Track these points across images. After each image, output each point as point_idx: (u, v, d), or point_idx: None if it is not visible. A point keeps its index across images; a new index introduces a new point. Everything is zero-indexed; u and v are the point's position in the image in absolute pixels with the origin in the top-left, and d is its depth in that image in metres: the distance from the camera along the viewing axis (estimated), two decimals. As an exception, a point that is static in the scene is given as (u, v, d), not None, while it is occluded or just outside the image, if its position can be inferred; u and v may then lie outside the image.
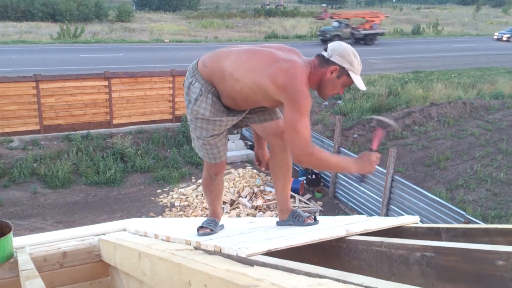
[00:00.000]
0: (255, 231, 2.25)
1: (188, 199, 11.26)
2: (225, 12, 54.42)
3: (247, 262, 1.61)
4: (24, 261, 2.42)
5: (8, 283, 2.92)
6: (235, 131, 2.65)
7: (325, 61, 2.16)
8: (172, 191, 11.92)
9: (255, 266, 1.56)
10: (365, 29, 35.75)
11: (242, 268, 1.52)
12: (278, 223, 2.45)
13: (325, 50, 2.17)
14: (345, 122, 15.97)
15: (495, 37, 44.09)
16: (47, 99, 13.95)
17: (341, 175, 11.14)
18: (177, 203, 11.11)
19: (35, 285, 1.75)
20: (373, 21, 36.27)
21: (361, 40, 34.91)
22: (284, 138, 2.25)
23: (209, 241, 2.00)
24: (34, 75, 13.96)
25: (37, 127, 13.98)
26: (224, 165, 2.53)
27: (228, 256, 1.74)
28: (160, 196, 11.72)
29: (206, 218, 2.59)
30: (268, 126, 2.42)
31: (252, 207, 10.48)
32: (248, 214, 10.09)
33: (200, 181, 12.21)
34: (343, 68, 2.13)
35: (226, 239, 2.02)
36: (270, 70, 2.10)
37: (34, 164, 12.57)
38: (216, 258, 1.76)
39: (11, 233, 2.97)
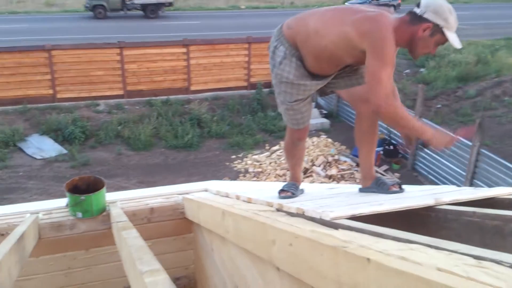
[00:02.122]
0: (337, 197, 2.26)
1: (261, 165, 11.42)
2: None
3: (331, 225, 1.62)
4: (118, 214, 2.60)
5: (101, 234, 3.16)
6: (321, 97, 2.63)
7: (417, 18, 2.05)
8: (246, 157, 12.13)
9: (339, 229, 1.57)
10: None
11: (327, 230, 1.54)
12: (361, 190, 2.43)
13: (418, 6, 2.07)
14: (428, 92, 15.26)
15: None
16: (130, 65, 14.55)
17: (421, 146, 10.76)
18: (251, 169, 11.31)
19: (131, 234, 1.88)
20: None
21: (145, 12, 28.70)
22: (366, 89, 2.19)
23: (291, 204, 2.03)
24: (118, 41, 14.57)
25: (121, 92, 14.67)
26: (307, 130, 2.53)
27: (311, 219, 1.76)
28: (235, 162, 11.98)
29: (286, 182, 2.63)
30: (354, 91, 2.38)
31: (326, 176, 10.46)
32: (321, 183, 10.09)
33: (274, 148, 12.34)
34: (437, 25, 2.02)
35: (309, 203, 2.05)
36: (355, 18, 2.06)
37: (119, 127, 13.24)
38: (299, 220, 1.79)
39: (104, 188, 3.19)
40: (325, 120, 13.81)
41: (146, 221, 3.21)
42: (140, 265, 1.31)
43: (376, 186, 2.34)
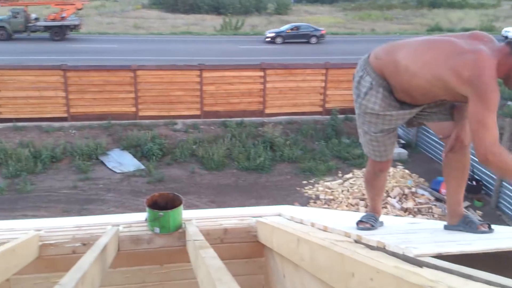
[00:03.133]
0: (420, 232, 2.17)
1: (333, 193, 11.26)
2: (385, 4, 52.82)
3: (415, 262, 1.56)
4: (194, 232, 2.66)
5: (176, 251, 3.23)
6: (407, 128, 2.54)
7: None
8: (318, 183, 12.02)
9: (424, 267, 1.50)
10: (52, 20, 29.49)
11: (411, 267, 1.48)
12: (446, 227, 2.32)
13: None
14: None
15: None
16: (208, 87, 15.03)
17: (506, 184, 10.12)
18: (322, 196, 11.18)
19: (209, 254, 1.91)
20: (63, 10, 29.74)
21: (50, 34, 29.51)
22: (468, 135, 2.09)
23: (371, 236, 1.98)
24: (198, 64, 15.13)
25: (198, 112, 15.16)
26: (390, 162, 2.46)
27: (393, 254, 1.70)
28: (306, 187, 11.90)
29: (365, 213, 2.57)
30: (445, 126, 2.28)
31: (402, 209, 10.09)
32: (397, 216, 9.74)
33: (347, 176, 12.13)
34: None
35: (390, 237, 1.98)
36: (453, 63, 1.95)
37: (194, 146, 13.66)
38: (380, 254, 1.74)
39: (181, 206, 3.27)
40: (402, 150, 13.41)
41: (219, 241, 3.25)
42: (220, 285, 1.33)
43: (464, 225, 2.22)
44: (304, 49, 28.46)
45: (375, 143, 2.35)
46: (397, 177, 11.60)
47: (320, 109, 15.75)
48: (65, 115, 14.55)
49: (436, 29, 36.51)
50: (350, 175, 12.20)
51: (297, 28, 32.20)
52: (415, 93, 2.15)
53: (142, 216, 3.46)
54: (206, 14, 43.40)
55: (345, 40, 32.24)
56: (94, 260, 1.99)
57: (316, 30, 32.22)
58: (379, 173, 2.48)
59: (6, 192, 11.27)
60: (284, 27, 32.93)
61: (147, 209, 3.25)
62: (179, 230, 3.19)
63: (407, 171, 12.16)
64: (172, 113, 14.99)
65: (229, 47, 28.26)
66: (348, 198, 10.77)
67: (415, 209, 10.01)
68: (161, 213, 3.14)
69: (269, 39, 31.45)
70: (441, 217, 9.26)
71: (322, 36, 32.12)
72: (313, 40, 31.66)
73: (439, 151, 12.53)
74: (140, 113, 14.88)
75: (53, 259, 3.01)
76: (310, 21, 40.08)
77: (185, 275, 3.46)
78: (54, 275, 3.14)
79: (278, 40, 31.28)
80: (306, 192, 11.65)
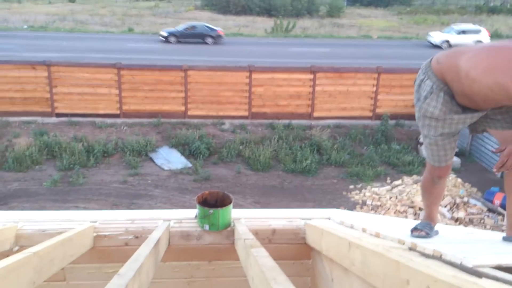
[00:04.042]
0: (478, 243, 2.11)
1: (381, 199, 11.06)
2: (442, 8, 51.42)
3: (474, 272, 1.51)
4: (244, 231, 2.68)
5: (224, 248, 3.27)
6: (471, 134, 2.44)
7: None
8: (365, 189, 11.84)
9: (483, 278, 1.46)
10: None
11: (470, 277, 1.44)
12: (506, 239, 2.23)
13: None
14: None
15: None
16: (257, 89, 15.11)
17: None
18: (369, 202, 11.00)
19: (261, 253, 1.92)
20: None
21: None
22: None
23: (426, 244, 1.93)
24: (248, 65, 15.24)
25: (246, 113, 15.26)
26: (449, 168, 2.40)
27: (450, 263, 1.66)
28: (352, 192, 11.75)
29: (420, 221, 2.52)
30: (509, 135, 2.20)
31: (452, 218, 9.79)
32: (448, 225, 9.46)
33: (396, 182, 11.88)
34: None
35: (446, 246, 1.93)
36: None
37: (240, 147, 13.76)
38: (436, 263, 1.70)
39: (231, 204, 3.31)
40: (456, 159, 12.99)
41: (267, 241, 3.26)
42: (275, 285, 1.34)
43: (524, 237, 2.13)
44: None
45: (435, 147, 2.30)
46: (449, 186, 11.25)
47: (370, 114, 15.51)
48: (118, 112, 15.01)
49: (495, 35, 35.15)
50: (399, 181, 11.94)
51: (193, 27, 31.55)
52: (476, 98, 2.09)
53: (192, 213, 3.52)
54: (257, 16, 43.64)
55: (398, 44, 31.57)
56: (149, 253, 2.05)
57: (212, 30, 31.31)
58: (437, 179, 2.42)
59: (60, 184, 11.75)
60: (180, 26, 32.32)
61: (197, 206, 3.30)
62: (228, 228, 3.23)
63: (459, 180, 11.78)
64: (220, 113, 15.17)
65: (279, 50, 28.30)
66: (396, 205, 10.54)
67: (467, 219, 9.68)
68: (211, 210, 3.19)
69: (163, 38, 30.94)
70: (493, 229, 8.91)
71: (219, 36, 31.30)
72: (209, 40, 30.93)
73: (494, 161, 12.07)
74: (189, 112, 15.15)
75: (106, 250, 3.11)
76: (363, 25, 39.60)
77: (232, 272, 3.49)
78: (106, 266, 3.25)
79: (172, 39, 30.77)
80: (353, 197, 11.50)
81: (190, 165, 13.01)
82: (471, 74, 2.03)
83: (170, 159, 13.30)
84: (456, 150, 10.74)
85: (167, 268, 3.41)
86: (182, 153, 13.54)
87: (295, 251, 3.34)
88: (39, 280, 1.91)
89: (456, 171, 12.54)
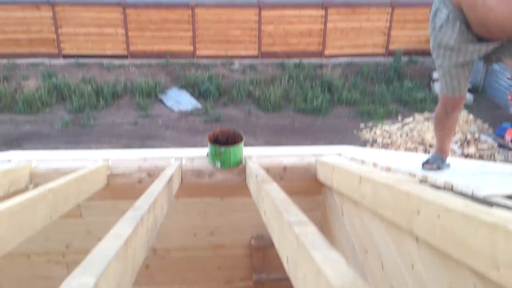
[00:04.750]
0: (489, 174, 2.11)
1: (391, 137, 11.03)
2: None
3: (485, 202, 1.52)
4: (255, 168, 2.70)
5: (236, 185, 3.32)
6: (485, 64, 2.36)
7: None
8: (376, 127, 11.78)
9: (494, 207, 1.46)
10: None
11: (481, 207, 1.44)
12: (517, 170, 2.23)
13: None
14: None
15: None
16: (267, 26, 14.75)
17: None
18: (379, 140, 10.99)
19: (272, 187, 1.94)
20: None
21: None
22: None
23: (438, 177, 1.94)
24: (257, 1, 14.81)
25: (256, 53, 15.00)
26: (463, 100, 2.36)
27: (461, 194, 1.67)
28: (363, 131, 11.71)
29: (431, 155, 2.51)
30: None
31: (462, 154, 9.78)
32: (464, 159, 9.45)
33: (407, 120, 11.80)
34: None
35: (457, 177, 1.93)
36: None
37: (250, 87, 13.64)
38: (447, 194, 1.70)
39: (242, 142, 3.32)
40: (468, 95, 12.81)
41: (278, 178, 3.30)
42: (287, 215, 1.35)
43: (536, 168, 2.12)
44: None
45: (448, 76, 2.25)
46: (460, 122, 11.16)
47: (382, 50, 15.16)
48: (125, 52, 14.83)
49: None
50: (410, 119, 11.86)
51: None
52: (492, 27, 2.01)
53: (204, 151, 3.55)
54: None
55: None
56: (162, 189, 2.08)
57: None
58: (451, 111, 2.38)
59: (71, 126, 11.85)
60: None
61: (209, 144, 3.33)
62: (239, 166, 3.26)
63: (471, 116, 11.66)
64: (230, 53, 14.93)
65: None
66: (407, 142, 10.52)
67: (477, 155, 9.67)
68: (222, 148, 3.21)
69: None
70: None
71: None
72: None
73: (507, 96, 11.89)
74: (198, 52, 14.93)
75: (120, 187, 3.17)
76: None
77: (243, 208, 3.57)
78: (121, 203, 3.33)
79: None
80: (363, 136, 11.47)
81: (200, 106, 12.98)
82: (488, 2, 1.95)
83: (180, 100, 13.27)
84: (469, 86, 10.54)
85: (180, 204, 3.49)
86: (192, 94, 13.48)
87: (306, 187, 3.38)
88: (55, 215, 1.96)
89: (469, 107, 12.39)
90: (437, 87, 12.99)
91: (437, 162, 2.30)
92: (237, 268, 4.03)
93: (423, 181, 1.97)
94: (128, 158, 3.35)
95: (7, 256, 3.61)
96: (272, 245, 3.99)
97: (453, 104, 2.35)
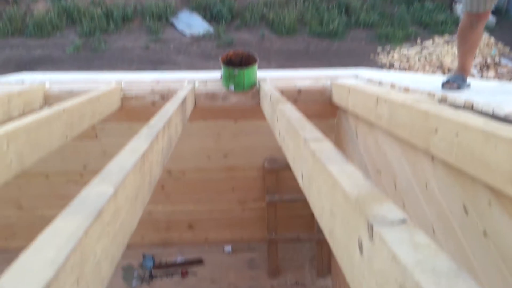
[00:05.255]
0: (511, 94, 2.05)
1: (409, 61, 10.78)
2: None
3: (506, 120, 1.48)
4: (270, 89, 2.67)
5: (249, 108, 3.30)
6: None
7: None
8: (394, 50, 11.49)
9: (515, 125, 1.43)
10: None
11: (501, 125, 1.41)
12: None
13: None
14: None
15: None
16: None
17: None
18: (396, 64, 10.76)
19: (288, 107, 1.92)
20: None
21: None
22: None
23: (457, 96, 1.89)
24: None
25: (270, -28, 14.38)
26: (487, 16, 2.24)
27: (481, 113, 1.63)
28: (380, 55, 11.45)
29: (451, 74, 2.43)
30: None
31: (481, 78, 9.58)
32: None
33: (426, 43, 11.47)
34: None
35: (478, 97, 1.88)
36: None
37: (264, 9, 13.23)
38: (467, 113, 1.67)
39: (256, 64, 3.26)
40: (490, 17, 12.31)
41: (292, 101, 3.25)
42: (303, 133, 1.34)
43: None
44: None
45: None
46: (481, 46, 10.82)
47: (402, -31, 14.45)
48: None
49: None
50: (429, 42, 11.51)
51: None
52: None
53: (217, 75, 3.51)
54: None
55: None
56: (176, 109, 2.07)
57: None
58: (476, 24, 2.26)
59: (82, 51, 11.74)
60: None
61: (222, 66, 3.27)
62: (253, 89, 3.23)
63: (492, 39, 11.27)
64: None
65: None
66: (425, 66, 10.28)
67: (496, 79, 9.48)
68: (236, 70, 3.16)
69: None
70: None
71: None
72: None
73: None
74: (210, -28, 14.38)
75: (134, 110, 3.17)
76: None
77: (256, 131, 3.58)
78: (135, 125, 3.36)
79: None
80: (380, 60, 11.23)
81: (212, 30, 12.70)
82: None
83: (192, 23, 12.97)
84: (493, 6, 10.14)
85: (194, 127, 3.50)
86: (204, 17, 13.14)
87: (320, 110, 3.35)
88: (71, 134, 1.97)
89: (490, 30, 11.95)
90: (459, 8, 12.48)
91: (457, 81, 2.24)
92: (250, 189, 4.12)
93: (443, 100, 1.93)
94: (141, 80, 3.33)
95: (26, 175, 3.73)
96: (285, 167, 4.05)
97: (478, 18, 2.24)
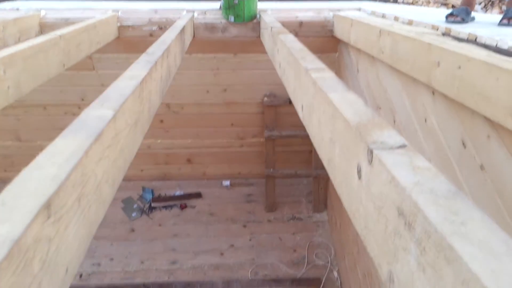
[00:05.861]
0: (517, 28, 2.01)
1: (413, -3, 10.46)
2: None
3: (509, 53, 1.46)
4: (271, 21, 2.60)
5: (249, 41, 3.24)
6: None
7: None
8: (397, -14, 11.13)
9: (518, 58, 1.41)
10: None
11: (504, 57, 1.39)
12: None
13: None
14: None
15: None
16: None
17: None
18: (400, 0, 10.45)
19: (289, 38, 1.88)
20: None
21: None
22: None
23: (461, 29, 1.85)
24: None
25: None
26: None
27: (485, 46, 1.60)
28: (383, -10, 11.09)
29: (456, 7, 2.37)
30: None
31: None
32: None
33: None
34: None
35: (482, 30, 1.84)
36: None
37: None
38: (470, 45, 1.64)
39: (256, -5, 3.16)
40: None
41: (293, 34, 3.19)
42: (304, 63, 1.32)
43: None
44: None
45: None
46: (488, -18, 10.48)
47: None
48: None
49: None
50: (434, -22, 11.14)
51: None
52: None
53: (217, 4, 3.41)
54: None
55: None
56: (175, 38, 2.02)
57: None
58: None
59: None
60: None
61: (221, -4, 3.17)
62: (253, 20, 3.15)
63: (500, -24, 10.91)
64: None
65: None
66: (429, 2, 10.00)
67: (500, 17, 9.25)
68: (236, 0, 3.07)
69: None
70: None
71: None
72: None
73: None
74: None
75: (131, 40, 3.11)
76: None
77: (256, 65, 3.53)
78: (133, 56, 3.30)
79: None
80: (383, -4, 10.90)
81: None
82: None
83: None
84: None
85: (193, 60, 3.45)
86: None
87: (321, 45, 3.29)
88: (68, 63, 1.94)
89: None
90: None
91: (461, 14, 2.18)
92: (249, 125, 4.13)
93: (446, 33, 1.89)
94: (138, 9, 3.24)
95: (24, 107, 3.71)
96: (284, 103, 4.04)
97: None
